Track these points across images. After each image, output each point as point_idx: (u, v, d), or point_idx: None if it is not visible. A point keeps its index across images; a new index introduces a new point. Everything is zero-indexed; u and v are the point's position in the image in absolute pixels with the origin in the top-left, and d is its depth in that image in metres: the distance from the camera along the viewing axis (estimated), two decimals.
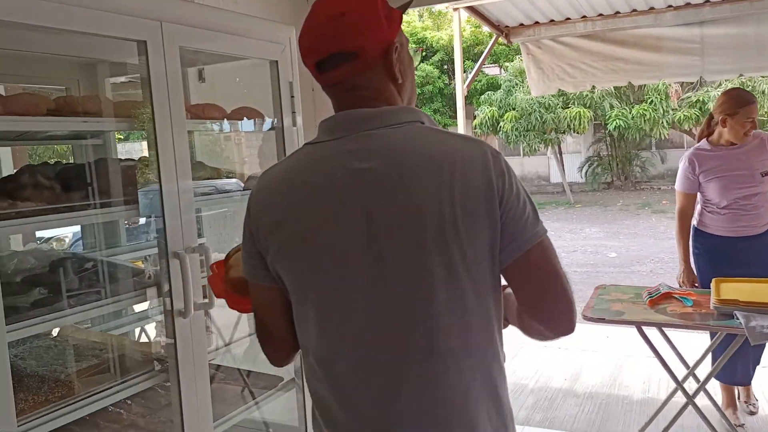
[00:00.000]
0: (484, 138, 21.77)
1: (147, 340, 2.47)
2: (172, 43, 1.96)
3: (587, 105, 16.03)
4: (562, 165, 19.41)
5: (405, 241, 1.08)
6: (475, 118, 17.59)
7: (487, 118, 16.94)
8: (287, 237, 1.13)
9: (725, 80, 13.94)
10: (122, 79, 2.93)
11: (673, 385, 3.02)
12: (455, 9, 5.45)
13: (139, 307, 2.33)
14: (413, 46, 17.46)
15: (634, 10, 5.18)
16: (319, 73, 1.17)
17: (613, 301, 3.09)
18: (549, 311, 1.15)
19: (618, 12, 5.22)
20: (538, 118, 16.24)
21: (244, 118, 2.44)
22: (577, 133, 17.39)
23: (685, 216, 3.58)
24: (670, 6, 5.03)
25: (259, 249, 1.17)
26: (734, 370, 3.42)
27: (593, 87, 6.11)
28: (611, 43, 5.55)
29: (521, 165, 21.14)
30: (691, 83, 15.21)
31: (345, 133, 1.14)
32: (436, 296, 1.08)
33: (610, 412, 3.91)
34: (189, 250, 2.00)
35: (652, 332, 2.98)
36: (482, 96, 17.67)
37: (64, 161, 2.73)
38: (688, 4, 4.95)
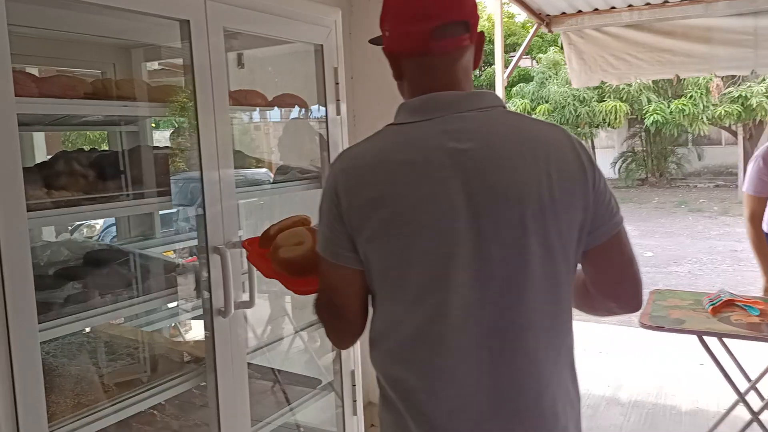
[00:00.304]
0: None
1: (179, 337, 2.36)
2: (216, 24, 1.83)
3: (623, 99, 15.63)
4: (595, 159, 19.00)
5: (505, 219, 1.10)
6: None
7: (519, 110, 16.66)
8: (387, 216, 1.11)
9: (728, 74, 13.52)
10: (156, 65, 2.82)
11: (729, 398, 2.84)
12: None
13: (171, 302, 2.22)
14: None
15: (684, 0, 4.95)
16: (432, 39, 1.15)
17: (671, 308, 2.90)
18: (625, 291, 1.23)
19: (666, 1, 5.00)
20: (572, 112, 15.89)
21: (295, 105, 2.30)
22: (612, 127, 16.99)
23: (757, 222, 3.25)
24: None
25: (350, 230, 1.14)
26: None
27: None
28: (658, 34, 5.33)
29: None
30: (733, 77, 14.70)
31: (436, 115, 1.15)
32: (533, 274, 1.12)
33: (657, 424, 3.71)
34: (229, 245, 1.87)
35: (710, 341, 2.80)
36: (514, 88, 17.37)
37: (98, 148, 2.63)
38: None
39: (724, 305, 2.86)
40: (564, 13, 5.36)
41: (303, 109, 2.45)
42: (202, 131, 1.79)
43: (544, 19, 5.47)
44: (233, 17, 1.90)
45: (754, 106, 14.14)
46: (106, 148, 2.72)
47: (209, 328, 1.86)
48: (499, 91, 5.65)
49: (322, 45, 2.27)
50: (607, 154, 19.83)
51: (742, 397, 2.79)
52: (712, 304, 2.85)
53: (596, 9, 5.22)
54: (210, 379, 1.89)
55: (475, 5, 1.19)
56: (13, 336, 1.35)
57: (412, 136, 1.15)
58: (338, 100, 2.34)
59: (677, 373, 4.40)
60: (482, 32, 1.21)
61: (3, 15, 1.32)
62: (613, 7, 5.15)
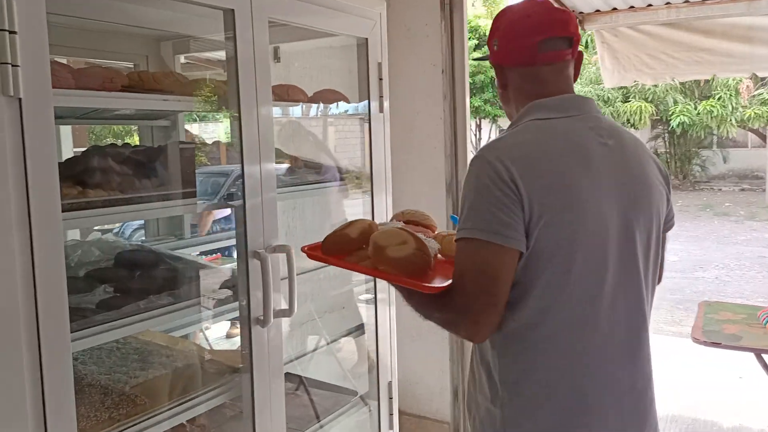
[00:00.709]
0: None
1: (206, 344, 2.25)
2: (261, 14, 1.72)
3: (648, 99, 15.33)
4: None
5: (644, 211, 1.26)
6: None
7: None
8: (562, 201, 1.19)
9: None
10: (182, 59, 2.72)
11: None
12: None
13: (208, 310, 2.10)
14: None
15: None
16: (539, 51, 1.29)
17: (723, 322, 2.76)
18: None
19: None
20: None
21: (337, 102, 2.18)
22: (635, 128, 16.69)
23: None
24: None
25: (528, 215, 1.17)
26: None
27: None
28: (696, 33, 5.17)
29: None
30: (763, 79, 14.36)
31: (572, 113, 1.28)
32: (652, 263, 1.31)
33: None
34: (269, 250, 1.76)
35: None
36: None
37: (127, 143, 2.54)
38: None
39: None
40: (598, 10, 5.19)
41: (341, 106, 2.34)
42: (244, 127, 1.68)
43: (577, 17, 5.31)
44: (279, 8, 1.79)
45: None
46: (132, 143, 2.63)
47: (246, 337, 1.75)
48: None
49: (366, 39, 2.15)
50: None
51: None
52: None
53: (632, 6, 5.05)
54: (245, 390, 1.78)
55: (577, 25, 1.35)
56: (45, 347, 1.24)
57: (563, 130, 1.26)
58: (381, 96, 2.22)
59: (716, 386, 4.23)
60: (581, 51, 1.36)
61: (42, 3, 1.22)
62: (650, 5, 4.98)
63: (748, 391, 4.21)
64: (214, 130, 2.62)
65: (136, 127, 2.85)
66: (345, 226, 1.35)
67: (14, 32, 1.17)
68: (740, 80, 14.19)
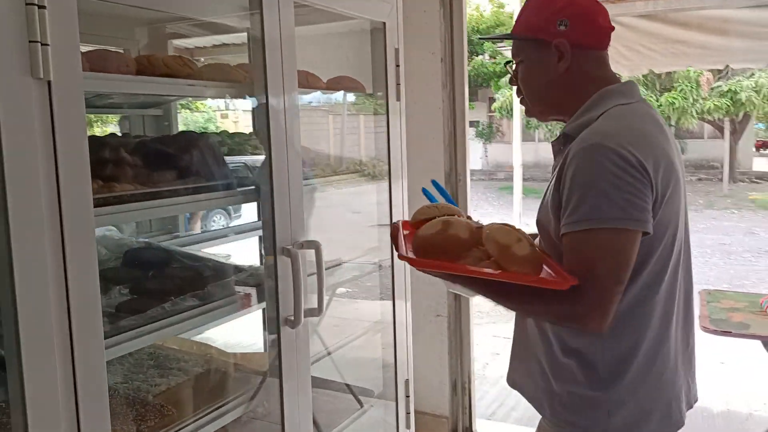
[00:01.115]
0: (501, 123, 21.35)
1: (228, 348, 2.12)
2: None
3: None
4: None
5: (684, 196, 1.34)
6: (493, 101, 17.06)
7: (508, 102, 16.51)
8: (670, 179, 1.23)
9: (759, 69, 13.57)
10: (177, 42, 2.57)
11: (758, 399, 2.70)
12: None
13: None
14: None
15: None
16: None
17: (728, 311, 2.76)
18: None
19: None
20: None
21: (354, 90, 2.07)
22: None
23: None
24: None
25: (655, 194, 1.20)
26: None
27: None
28: (673, 25, 5.23)
29: (535, 151, 20.66)
30: (720, 71, 14.73)
31: (639, 98, 1.34)
32: None
33: (688, 425, 3.60)
34: (297, 246, 1.65)
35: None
36: (502, 79, 17.20)
37: (129, 133, 2.39)
38: None
39: None
40: None
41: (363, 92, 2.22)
42: (272, 114, 1.57)
43: None
44: None
45: (743, 100, 14.21)
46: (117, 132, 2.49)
47: (275, 339, 1.64)
48: None
49: (384, 23, 2.05)
50: None
51: None
52: None
53: None
54: (274, 395, 1.68)
55: None
56: (78, 355, 1.12)
57: (645, 113, 1.30)
58: (398, 84, 2.13)
59: (700, 372, 4.29)
60: None
61: None
62: None
63: (731, 377, 4.30)
64: (216, 120, 2.48)
65: (118, 118, 2.70)
66: (439, 226, 1.21)
67: (43, 6, 1.04)
68: (701, 73, 14.52)
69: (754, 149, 20.92)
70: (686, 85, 15.15)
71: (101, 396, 1.17)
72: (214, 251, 2.27)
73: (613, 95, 1.30)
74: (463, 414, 3.51)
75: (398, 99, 2.14)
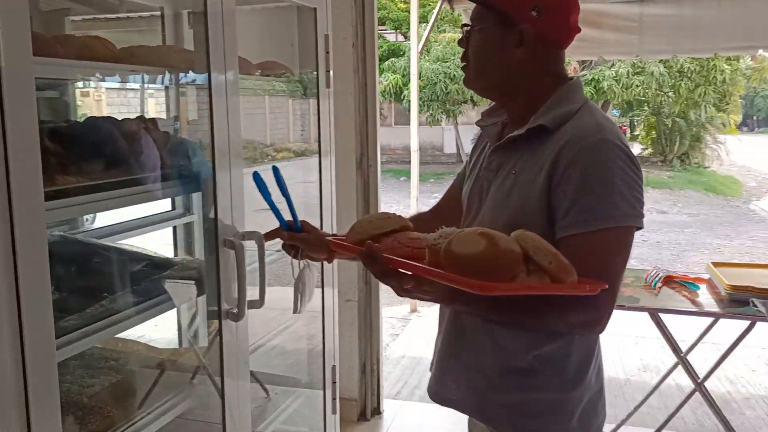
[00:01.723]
0: (388, 106, 21.59)
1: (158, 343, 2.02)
2: None
3: None
4: (459, 136, 19.68)
5: None
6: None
7: (391, 85, 16.72)
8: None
9: (618, 60, 14.65)
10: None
11: (661, 369, 3.00)
12: None
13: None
14: None
15: None
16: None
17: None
18: None
19: None
20: (443, 89, 16.24)
21: (284, 73, 2.02)
22: (477, 105, 17.66)
23: None
24: None
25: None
26: None
27: None
28: None
29: (418, 135, 21.14)
30: (585, 62, 15.81)
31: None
32: None
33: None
34: (239, 237, 1.61)
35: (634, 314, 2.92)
36: (385, 63, 17.38)
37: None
38: None
39: (664, 282, 3.03)
40: None
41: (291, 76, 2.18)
42: (215, 98, 1.50)
43: None
44: None
45: (605, 89, 15.36)
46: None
47: (214, 333, 1.59)
48: (414, 65, 5.62)
49: (315, 8, 2.02)
50: (466, 130, 20.56)
51: (682, 359, 2.98)
52: (656, 282, 3.00)
53: None
54: (213, 391, 1.64)
55: None
56: (29, 357, 1.03)
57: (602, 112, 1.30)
58: (328, 71, 2.11)
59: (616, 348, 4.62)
60: None
61: None
62: None
63: (627, 350, 4.66)
64: (125, 104, 2.33)
65: None
66: (484, 240, 1.03)
67: None
68: (569, 61, 15.48)
69: None
70: None
71: (54, 399, 1.09)
72: (128, 242, 2.15)
73: (579, 91, 1.30)
74: (372, 396, 3.59)
75: (328, 86, 2.12)
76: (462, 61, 1.36)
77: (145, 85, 2.19)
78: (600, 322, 1.16)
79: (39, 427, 1.06)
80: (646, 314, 2.86)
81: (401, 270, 1.10)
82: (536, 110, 1.26)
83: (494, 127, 1.40)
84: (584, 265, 1.08)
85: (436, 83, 16.36)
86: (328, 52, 2.09)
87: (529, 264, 1.04)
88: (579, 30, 1.29)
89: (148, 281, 1.55)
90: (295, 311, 1.51)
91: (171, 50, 1.95)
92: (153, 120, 1.79)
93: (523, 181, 1.23)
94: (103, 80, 1.88)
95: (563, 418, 1.27)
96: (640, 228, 1.18)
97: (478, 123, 1.43)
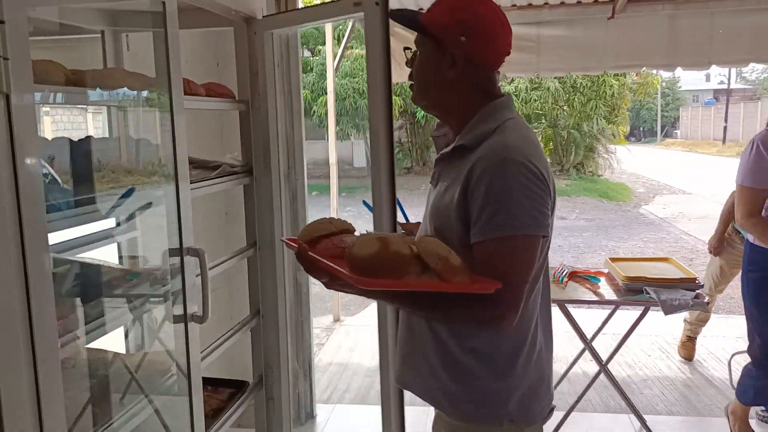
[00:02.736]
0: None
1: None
2: None
3: (397, 93, 16.73)
4: (369, 150, 20.02)
5: None
6: None
7: (302, 101, 16.81)
8: (554, 189, 1.38)
9: (525, 78, 15.46)
10: None
11: (569, 359, 3.32)
12: None
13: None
14: None
15: None
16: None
17: None
18: None
19: None
20: (353, 104, 16.57)
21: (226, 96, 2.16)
22: None
23: (758, 217, 2.70)
24: (514, 5, 5.42)
25: (551, 203, 1.35)
26: None
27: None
28: None
29: (326, 150, 21.34)
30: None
31: (516, 112, 1.47)
32: None
33: None
34: (185, 251, 1.72)
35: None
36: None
37: None
38: (529, 5, 5.37)
39: (570, 277, 3.38)
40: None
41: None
42: (176, 118, 1.63)
43: None
44: None
45: None
46: None
47: (183, 337, 1.71)
48: (330, 82, 5.82)
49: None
50: None
51: (588, 345, 3.33)
52: (563, 276, 3.34)
53: (421, 9, 5.58)
54: (181, 396, 1.75)
55: None
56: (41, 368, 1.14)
57: (527, 126, 1.44)
58: (258, 93, 2.28)
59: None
60: None
61: None
62: (422, 9, 5.54)
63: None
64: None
65: None
66: (378, 244, 1.21)
67: (3, 22, 1.05)
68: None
69: None
70: None
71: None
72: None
73: (502, 109, 1.42)
74: (305, 400, 3.74)
75: (254, 106, 2.29)
76: (409, 80, 1.51)
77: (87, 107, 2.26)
78: (504, 318, 1.30)
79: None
80: (553, 309, 3.20)
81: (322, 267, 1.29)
82: (464, 128, 1.43)
83: (445, 138, 1.58)
84: (489, 268, 1.27)
85: (345, 98, 16.66)
86: (256, 73, 2.26)
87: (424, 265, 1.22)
88: (508, 53, 1.44)
89: (121, 289, 1.65)
90: None
91: (117, 72, 2.05)
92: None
93: (447, 195, 1.39)
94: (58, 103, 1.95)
95: (497, 405, 1.41)
96: (544, 236, 1.33)
97: (432, 134, 1.64)
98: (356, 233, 1.41)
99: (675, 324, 4.64)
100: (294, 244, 1.38)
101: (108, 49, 2.27)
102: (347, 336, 5.47)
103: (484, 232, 1.29)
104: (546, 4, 5.36)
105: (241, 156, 2.34)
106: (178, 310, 1.72)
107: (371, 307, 6.16)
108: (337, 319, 5.97)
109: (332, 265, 1.25)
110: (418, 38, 1.47)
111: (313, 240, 1.37)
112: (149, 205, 1.69)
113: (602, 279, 3.34)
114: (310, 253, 1.31)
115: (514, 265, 1.29)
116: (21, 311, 1.11)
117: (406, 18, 1.47)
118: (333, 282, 1.31)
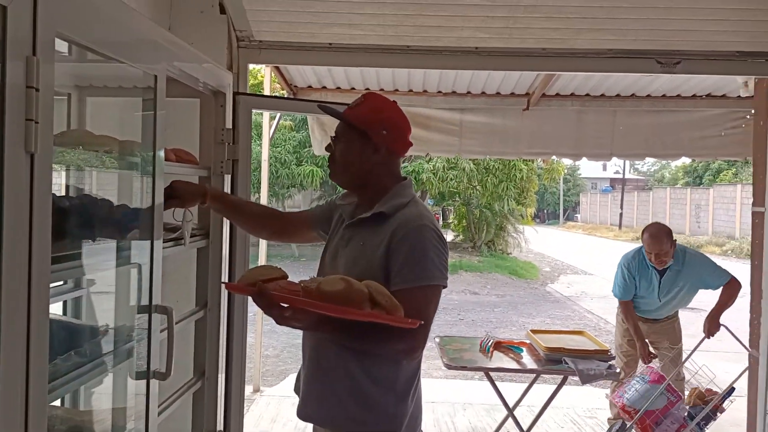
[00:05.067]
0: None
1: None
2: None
3: (319, 164, 17.06)
4: None
5: None
6: None
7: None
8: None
9: (443, 157, 16.19)
10: None
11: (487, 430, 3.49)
12: (268, 66, 5.58)
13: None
14: None
15: (411, 90, 5.92)
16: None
17: (459, 351, 3.52)
18: None
19: (397, 89, 5.91)
20: (273, 173, 16.70)
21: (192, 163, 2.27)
22: (305, 188, 18.31)
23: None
24: (440, 92, 5.87)
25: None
26: None
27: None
28: None
29: None
30: (409, 156, 17.28)
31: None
32: None
33: None
34: (153, 309, 1.78)
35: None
36: None
37: None
38: (453, 93, 5.83)
39: (495, 347, 3.59)
40: (310, 86, 5.93)
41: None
42: (157, 174, 1.73)
43: (293, 90, 5.96)
44: None
45: (423, 180, 16.88)
46: None
47: (144, 394, 1.75)
48: (265, 151, 5.95)
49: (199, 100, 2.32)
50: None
51: (510, 412, 3.51)
52: (488, 347, 3.55)
53: (339, 87, 5.89)
54: None
55: None
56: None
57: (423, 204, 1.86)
58: (222, 162, 2.41)
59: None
60: None
61: (52, 57, 1.21)
62: (353, 88, 5.88)
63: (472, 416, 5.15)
64: None
65: None
66: (343, 283, 1.53)
67: (38, 89, 1.15)
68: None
69: None
70: None
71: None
72: None
73: (410, 187, 1.84)
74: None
75: (225, 172, 2.42)
76: (329, 161, 1.87)
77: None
78: (416, 350, 1.67)
79: None
80: (473, 383, 3.40)
81: (282, 304, 1.54)
82: (380, 199, 1.77)
83: (349, 207, 1.89)
84: (407, 309, 1.56)
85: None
86: (223, 142, 2.40)
87: (374, 302, 1.53)
88: (411, 144, 1.84)
89: (89, 345, 1.67)
90: None
91: (85, 134, 2.11)
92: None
93: (368, 250, 1.73)
94: None
95: (395, 427, 1.70)
96: (445, 287, 1.70)
97: (338, 202, 1.93)
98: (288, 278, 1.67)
99: (585, 396, 4.93)
100: (238, 286, 1.67)
101: (72, 110, 2.34)
102: (267, 407, 5.41)
103: (405, 281, 1.64)
104: (468, 93, 5.83)
105: (197, 220, 2.43)
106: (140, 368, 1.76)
107: (290, 377, 6.12)
108: (257, 390, 5.89)
109: (297, 298, 1.53)
110: (342, 128, 1.82)
111: (261, 282, 1.57)
112: (123, 262, 1.74)
113: (524, 349, 3.57)
114: (273, 292, 1.54)
115: (426, 309, 1.63)
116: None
117: (334, 111, 1.85)
118: (289, 317, 1.55)
